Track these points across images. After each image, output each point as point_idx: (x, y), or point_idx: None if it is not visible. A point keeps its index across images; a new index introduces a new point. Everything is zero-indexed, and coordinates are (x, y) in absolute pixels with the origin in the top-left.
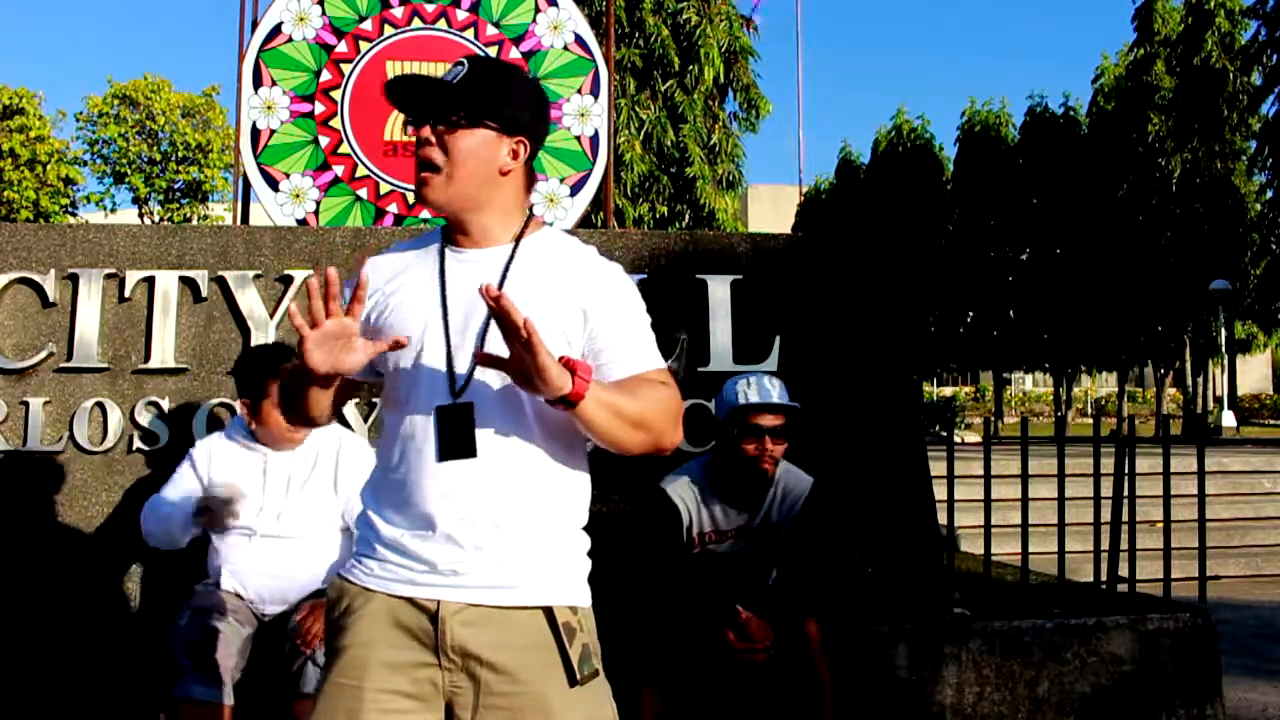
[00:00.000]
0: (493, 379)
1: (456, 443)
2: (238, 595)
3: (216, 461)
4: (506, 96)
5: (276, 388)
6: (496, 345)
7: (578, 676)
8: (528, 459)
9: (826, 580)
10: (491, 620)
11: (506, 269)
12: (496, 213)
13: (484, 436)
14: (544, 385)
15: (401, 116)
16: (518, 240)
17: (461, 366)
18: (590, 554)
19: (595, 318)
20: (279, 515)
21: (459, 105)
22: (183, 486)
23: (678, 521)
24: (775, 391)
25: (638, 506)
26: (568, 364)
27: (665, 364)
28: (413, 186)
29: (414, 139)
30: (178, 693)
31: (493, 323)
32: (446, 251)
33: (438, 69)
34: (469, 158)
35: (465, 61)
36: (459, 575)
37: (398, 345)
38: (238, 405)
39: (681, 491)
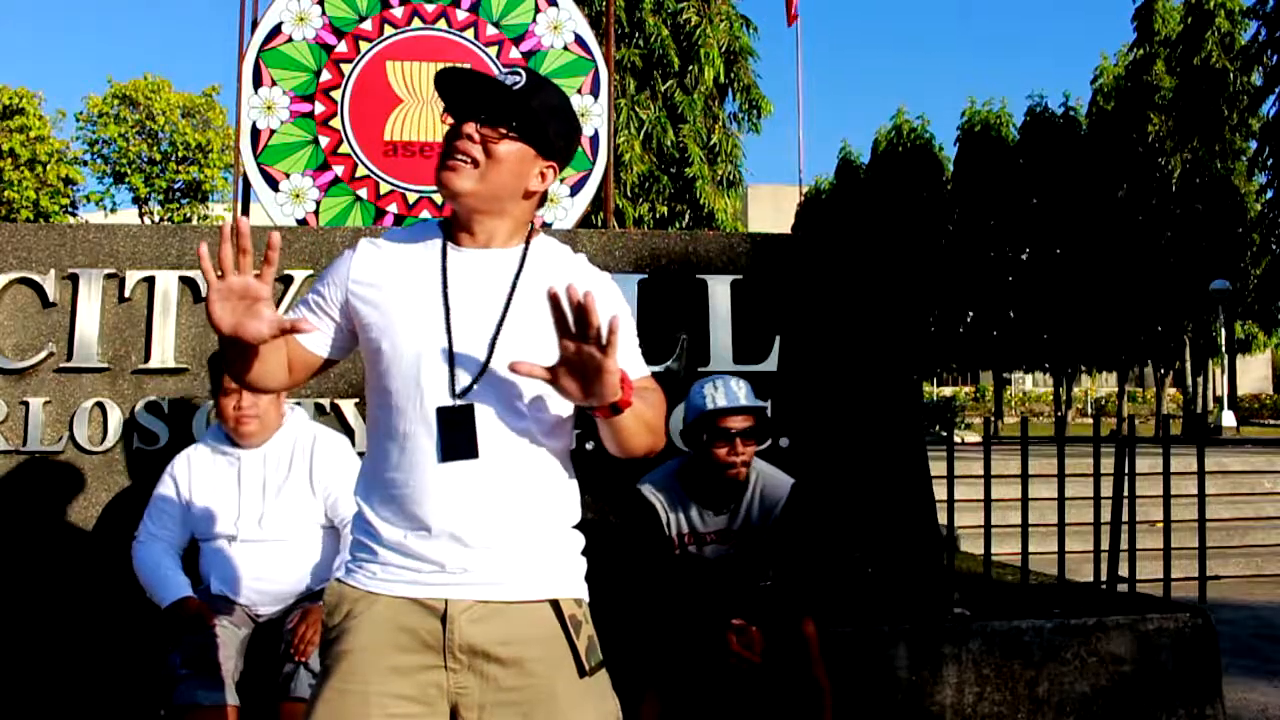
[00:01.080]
0: (495, 381)
1: (459, 444)
2: (229, 599)
3: (196, 472)
4: (555, 120)
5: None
6: (507, 346)
7: (586, 667)
8: (526, 459)
9: (820, 581)
10: (499, 615)
11: (519, 274)
12: (509, 223)
13: (484, 437)
14: (601, 389)
15: (402, 116)
16: (527, 244)
17: (462, 366)
18: (586, 555)
19: None
20: (259, 520)
21: (514, 114)
22: (167, 514)
23: (656, 520)
24: (742, 393)
25: (625, 510)
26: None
27: (655, 368)
28: (413, 186)
29: (448, 128)
30: (180, 700)
31: (505, 326)
32: (448, 248)
33: (438, 69)
34: (506, 170)
35: (522, 72)
36: (467, 573)
37: (300, 329)
38: (241, 403)
39: (656, 491)
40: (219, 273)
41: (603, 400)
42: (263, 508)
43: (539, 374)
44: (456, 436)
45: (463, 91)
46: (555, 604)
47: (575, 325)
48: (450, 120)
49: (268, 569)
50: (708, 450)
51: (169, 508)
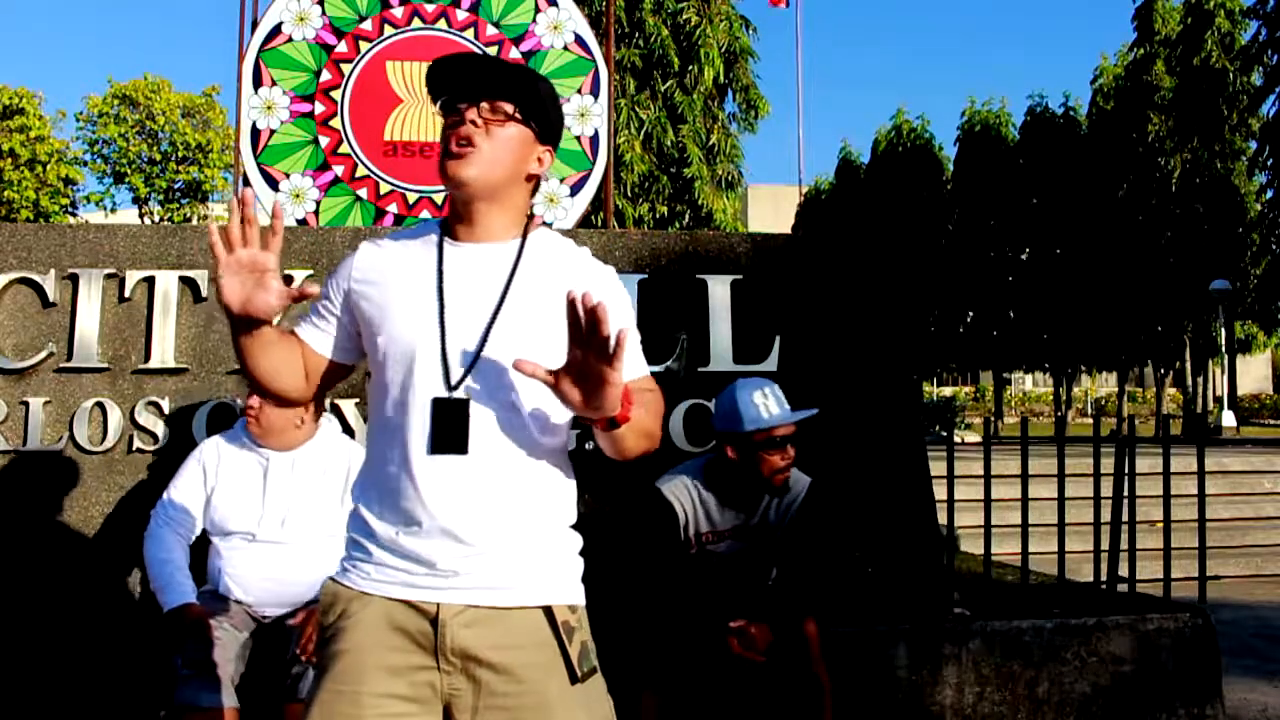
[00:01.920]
0: (489, 375)
1: (449, 437)
2: (236, 600)
3: (225, 463)
4: (550, 104)
5: None
6: (500, 340)
7: (578, 674)
8: (520, 455)
9: (826, 580)
10: (492, 620)
11: (515, 267)
12: (507, 212)
13: (477, 433)
14: (602, 401)
15: (402, 116)
16: (524, 238)
17: (455, 360)
18: (584, 555)
19: None
20: (282, 521)
21: (515, 96)
22: (189, 499)
23: (675, 522)
24: (784, 401)
25: (633, 507)
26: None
27: (655, 368)
28: (413, 186)
29: (448, 121)
30: (180, 700)
31: (499, 319)
32: (445, 243)
33: (435, 60)
34: (508, 151)
35: (516, 67)
36: (459, 575)
37: (305, 296)
38: (248, 401)
39: (678, 492)
40: (228, 249)
41: (601, 413)
42: (287, 510)
43: (541, 375)
44: (447, 429)
45: (464, 76)
46: (548, 610)
47: (586, 332)
48: (443, 115)
49: (282, 570)
50: (755, 458)
51: (192, 493)
